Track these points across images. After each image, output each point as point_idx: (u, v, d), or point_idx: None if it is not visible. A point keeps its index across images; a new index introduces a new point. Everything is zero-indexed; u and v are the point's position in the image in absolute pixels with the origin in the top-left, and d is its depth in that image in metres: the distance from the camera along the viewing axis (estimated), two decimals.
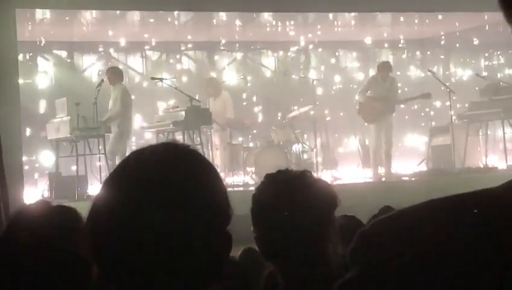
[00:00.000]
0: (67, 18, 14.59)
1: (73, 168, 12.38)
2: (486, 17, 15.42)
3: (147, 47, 17.03)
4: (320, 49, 18.43)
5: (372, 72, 15.41)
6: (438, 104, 16.92)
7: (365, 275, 1.05)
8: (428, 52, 19.08)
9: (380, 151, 13.82)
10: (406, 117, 17.35)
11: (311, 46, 18.21)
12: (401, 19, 16.47)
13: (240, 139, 14.54)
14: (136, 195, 1.55)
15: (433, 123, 16.59)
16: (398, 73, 18.09)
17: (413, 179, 13.69)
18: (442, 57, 18.76)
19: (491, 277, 0.96)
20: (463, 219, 1.01)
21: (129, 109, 12.98)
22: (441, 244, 0.99)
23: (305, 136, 14.76)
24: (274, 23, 16.36)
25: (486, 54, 18.21)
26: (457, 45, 18.34)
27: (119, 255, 1.54)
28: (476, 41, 17.88)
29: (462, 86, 17.14)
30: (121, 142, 12.68)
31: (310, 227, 2.50)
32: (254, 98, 16.81)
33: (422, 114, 17.88)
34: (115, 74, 13.15)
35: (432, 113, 17.55)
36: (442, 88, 14.45)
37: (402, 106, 15.17)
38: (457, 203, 1.04)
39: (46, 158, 14.35)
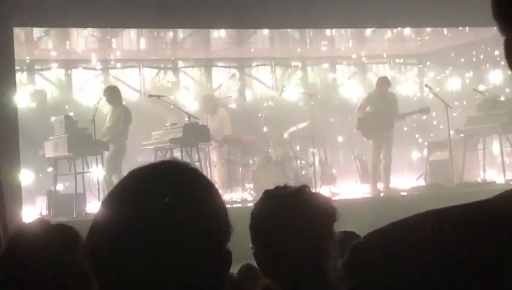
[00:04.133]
0: (64, 36, 14.63)
1: (72, 186, 12.36)
2: (482, 32, 15.45)
3: (144, 64, 17.05)
4: (317, 65, 18.46)
5: (369, 88, 15.45)
6: (435, 119, 16.92)
7: (360, 287, 1.05)
8: (426, 68, 19.12)
9: (379, 167, 13.84)
10: (404, 133, 17.35)
11: (308, 62, 18.25)
12: (399, 34, 16.50)
13: (240, 155, 14.52)
14: (136, 213, 1.56)
15: (431, 138, 16.60)
16: (395, 89, 18.12)
17: (411, 194, 13.69)
18: (439, 72, 18.78)
19: (489, 286, 0.96)
20: (457, 229, 1.01)
21: (128, 127, 12.98)
22: (436, 255, 1.00)
23: (303, 152, 14.75)
24: (271, 39, 16.40)
25: (484, 69, 18.22)
26: (455, 60, 18.37)
27: (120, 273, 1.54)
28: (473, 56, 17.90)
29: (459, 100, 17.15)
30: (118, 160, 12.66)
31: (309, 242, 2.50)
32: (252, 115, 16.81)
33: (420, 129, 17.88)
34: (113, 94, 13.13)
35: (429, 128, 17.55)
36: (440, 102, 14.44)
37: (406, 119, 15.17)
38: (452, 214, 1.05)
39: (44, 176, 14.33)
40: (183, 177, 1.63)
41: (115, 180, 12.07)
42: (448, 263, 0.98)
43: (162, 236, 1.53)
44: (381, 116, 13.69)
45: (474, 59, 18.02)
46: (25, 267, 2.32)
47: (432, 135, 17.09)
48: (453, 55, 18.14)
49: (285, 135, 14.67)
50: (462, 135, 14.58)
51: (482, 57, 17.64)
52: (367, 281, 1.04)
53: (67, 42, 15.09)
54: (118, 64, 16.83)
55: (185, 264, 1.54)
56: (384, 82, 14.32)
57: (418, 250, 1.01)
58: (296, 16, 13.17)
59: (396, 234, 1.06)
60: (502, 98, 14.48)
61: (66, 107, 15.49)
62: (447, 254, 0.99)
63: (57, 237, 2.42)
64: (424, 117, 15.84)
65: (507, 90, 15.92)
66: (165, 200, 1.57)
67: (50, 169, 13.34)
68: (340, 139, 16.77)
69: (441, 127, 15.88)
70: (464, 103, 16.90)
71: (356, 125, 14.11)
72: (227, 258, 1.63)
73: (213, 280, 1.60)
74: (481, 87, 16.19)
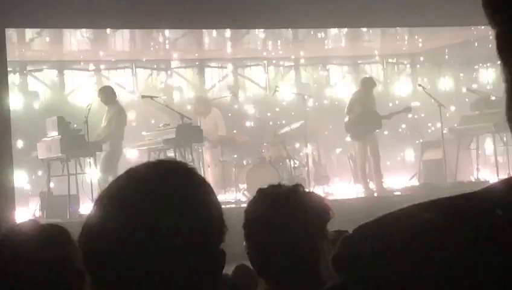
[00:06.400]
0: (57, 37, 14.61)
1: (65, 187, 12.34)
2: (475, 32, 15.48)
3: (137, 65, 17.03)
4: (310, 65, 18.46)
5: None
6: (428, 118, 16.94)
7: (349, 281, 1.04)
8: (419, 67, 19.14)
9: (369, 167, 13.86)
10: (398, 132, 17.38)
11: (301, 62, 18.25)
12: (391, 34, 16.52)
13: (233, 156, 14.51)
14: (131, 211, 1.55)
15: (424, 138, 16.61)
16: (388, 89, 18.17)
17: (405, 193, 13.69)
18: (432, 71, 18.81)
19: (478, 278, 0.96)
20: (446, 221, 1.01)
21: (123, 128, 12.97)
22: (425, 247, 0.99)
23: (297, 152, 14.75)
24: (264, 39, 16.40)
25: (477, 68, 18.27)
26: (448, 59, 18.40)
27: (113, 270, 1.54)
28: (466, 55, 17.93)
29: (452, 100, 17.18)
30: (113, 161, 12.65)
31: (303, 241, 2.49)
32: (245, 115, 16.83)
33: (413, 129, 17.90)
34: (107, 94, 13.15)
35: (422, 127, 17.57)
36: (433, 101, 14.46)
37: (392, 119, 15.19)
38: (440, 206, 1.04)
39: (38, 178, 14.30)
40: (180, 177, 1.63)
41: (111, 180, 12.03)
42: (437, 255, 0.98)
43: (157, 234, 1.53)
44: (366, 117, 13.72)
45: (467, 58, 18.04)
46: (14, 266, 2.32)
47: (425, 135, 17.10)
48: (446, 54, 18.17)
49: (279, 135, 14.65)
50: (456, 134, 14.60)
51: (475, 56, 17.67)
52: (356, 274, 1.03)
53: (60, 43, 15.06)
54: (111, 65, 16.81)
55: (178, 263, 1.54)
56: (367, 82, 14.34)
57: (407, 242, 1.01)
58: (289, 16, 13.16)
59: (385, 227, 1.05)
60: (493, 98, 14.48)
61: (59, 108, 15.45)
62: (436, 245, 0.99)
63: (46, 236, 2.42)
64: (410, 115, 15.84)
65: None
66: (160, 199, 1.57)
67: (43, 170, 13.31)
68: (333, 139, 16.76)
69: (434, 126, 15.92)
70: (457, 102, 16.94)
71: (345, 127, 14.16)
72: (221, 258, 1.63)
73: (207, 279, 1.59)
74: (474, 87, 16.21)
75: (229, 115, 15.69)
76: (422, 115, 17.10)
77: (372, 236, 1.05)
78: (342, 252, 1.07)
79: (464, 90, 15.84)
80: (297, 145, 14.77)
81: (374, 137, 13.92)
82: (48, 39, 14.86)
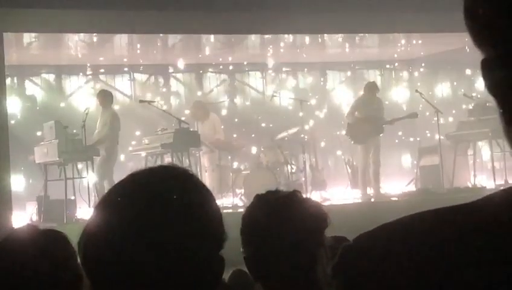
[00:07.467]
0: (55, 42, 14.60)
1: (62, 191, 12.32)
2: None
3: (135, 70, 17.03)
4: (308, 71, 18.47)
5: (360, 93, 15.45)
6: (426, 124, 16.95)
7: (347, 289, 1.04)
8: (416, 73, 19.15)
9: (369, 172, 13.86)
10: (395, 138, 17.38)
11: (299, 68, 18.26)
12: (389, 40, 16.53)
13: (231, 161, 14.50)
14: (131, 217, 1.56)
15: (422, 143, 16.62)
16: (386, 94, 18.17)
17: (402, 199, 13.69)
18: (429, 77, 18.82)
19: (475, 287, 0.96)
20: (445, 231, 1.01)
21: (118, 132, 12.98)
22: (423, 257, 1.00)
23: (294, 157, 14.75)
24: (262, 45, 16.40)
25: (474, 74, 18.27)
26: (445, 65, 18.41)
27: (113, 274, 1.54)
28: (463, 61, 17.94)
29: (449, 106, 17.19)
30: (108, 165, 12.64)
31: (300, 247, 2.49)
32: (242, 120, 16.82)
33: (411, 135, 17.90)
34: (106, 97, 13.18)
35: (420, 133, 17.58)
36: (429, 111, 14.48)
37: (394, 124, 15.22)
38: (440, 216, 1.05)
39: (35, 182, 14.29)
40: (181, 183, 1.64)
41: (107, 185, 12.05)
42: (438, 266, 0.98)
43: (157, 240, 1.54)
44: (370, 121, 13.73)
45: (465, 64, 18.05)
46: (13, 272, 2.32)
47: (422, 140, 17.10)
48: (444, 60, 18.17)
49: (276, 140, 14.65)
50: (453, 140, 14.60)
51: (472, 62, 17.65)
52: (356, 283, 1.04)
53: (58, 48, 15.06)
54: (109, 70, 16.81)
55: (178, 269, 1.54)
56: (372, 87, 14.36)
57: (407, 252, 1.01)
58: (288, 22, 13.16)
59: (385, 236, 1.05)
60: (490, 104, 14.47)
61: (57, 112, 15.45)
62: (437, 256, 0.99)
63: (45, 242, 2.42)
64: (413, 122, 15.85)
65: None
66: (162, 204, 1.57)
67: (40, 174, 13.29)
68: (330, 144, 16.77)
69: (432, 132, 15.91)
70: (455, 108, 16.95)
71: (345, 130, 14.17)
72: (220, 264, 1.63)
73: (205, 285, 1.60)
74: (472, 93, 16.20)
75: (227, 120, 15.69)
76: (420, 120, 17.10)
77: (372, 246, 1.05)
78: (341, 262, 1.07)
79: (462, 97, 15.83)
80: (294, 150, 14.75)
81: (377, 142, 13.91)
82: (45, 43, 14.86)
